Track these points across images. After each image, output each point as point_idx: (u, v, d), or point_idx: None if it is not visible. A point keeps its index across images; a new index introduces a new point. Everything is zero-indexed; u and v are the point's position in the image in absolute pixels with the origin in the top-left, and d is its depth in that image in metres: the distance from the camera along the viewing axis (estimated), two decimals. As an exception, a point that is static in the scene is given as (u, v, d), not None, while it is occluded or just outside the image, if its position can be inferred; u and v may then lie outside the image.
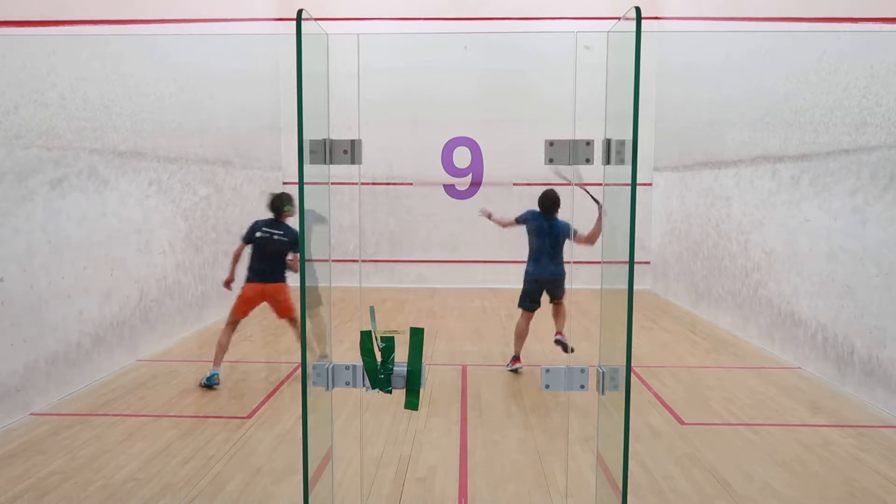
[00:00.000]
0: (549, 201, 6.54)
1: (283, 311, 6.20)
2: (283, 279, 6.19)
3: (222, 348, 6.04)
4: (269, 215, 6.26)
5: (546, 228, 6.52)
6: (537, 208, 6.61)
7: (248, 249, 6.19)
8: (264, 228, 6.14)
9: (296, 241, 6.07)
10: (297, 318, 6.18)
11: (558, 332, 6.65)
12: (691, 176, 10.06)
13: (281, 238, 6.11)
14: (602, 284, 2.87)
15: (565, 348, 6.53)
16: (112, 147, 6.46)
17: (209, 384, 5.87)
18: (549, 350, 7.47)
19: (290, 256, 6.18)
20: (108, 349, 6.35)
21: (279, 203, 6.26)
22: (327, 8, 11.23)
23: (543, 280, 6.56)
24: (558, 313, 6.73)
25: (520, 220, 6.74)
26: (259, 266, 6.11)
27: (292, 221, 6.21)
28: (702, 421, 5.25)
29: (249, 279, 6.13)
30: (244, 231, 6.24)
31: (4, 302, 4.95)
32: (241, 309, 6.12)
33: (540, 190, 6.77)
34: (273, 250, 6.08)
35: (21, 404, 5.14)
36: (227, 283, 6.35)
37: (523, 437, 4.90)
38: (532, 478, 4.21)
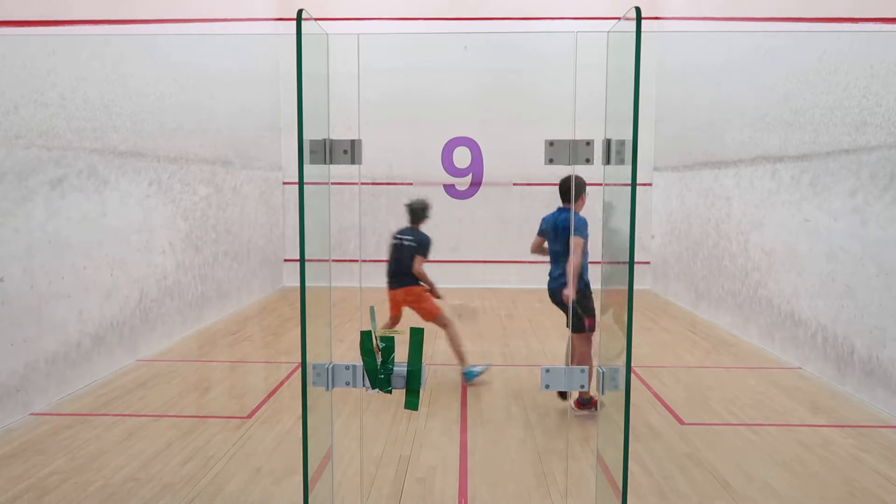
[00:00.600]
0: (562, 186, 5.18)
1: (423, 314, 6.15)
2: (410, 283, 6.13)
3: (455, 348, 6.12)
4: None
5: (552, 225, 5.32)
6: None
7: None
8: (396, 235, 6.23)
9: (421, 245, 6.11)
10: (446, 322, 6.12)
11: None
12: (691, 176, 10.06)
13: (410, 243, 6.12)
14: (602, 284, 2.87)
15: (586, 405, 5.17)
16: (112, 147, 6.46)
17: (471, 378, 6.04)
18: (549, 350, 7.47)
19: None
20: (108, 349, 6.35)
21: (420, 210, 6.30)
22: (327, 8, 11.23)
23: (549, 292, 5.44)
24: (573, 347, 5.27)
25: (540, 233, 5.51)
26: (388, 271, 6.24)
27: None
28: (702, 421, 5.25)
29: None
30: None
31: (4, 302, 4.95)
32: (391, 314, 6.30)
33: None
34: (398, 256, 6.13)
35: (21, 404, 5.14)
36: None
37: (523, 437, 4.89)
38: (532, 478, 4.21)
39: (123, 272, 6.63)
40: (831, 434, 4.98)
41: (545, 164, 2.59)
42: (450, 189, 2.82)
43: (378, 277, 11.97)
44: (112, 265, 6.42)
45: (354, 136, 2.65)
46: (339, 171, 2.69)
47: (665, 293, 11.23)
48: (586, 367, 2.62)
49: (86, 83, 6.07)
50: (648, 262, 11.80)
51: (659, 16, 11.30)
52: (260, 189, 10.91)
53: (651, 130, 11.43)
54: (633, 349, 2.40)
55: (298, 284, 2.50)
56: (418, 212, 6.25)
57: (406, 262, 6.06)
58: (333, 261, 2.99)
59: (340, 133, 2.64)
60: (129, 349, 6.72)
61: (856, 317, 5.88)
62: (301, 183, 2.45)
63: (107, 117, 6.40)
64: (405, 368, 2.64)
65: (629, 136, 2.32)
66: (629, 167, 2.32)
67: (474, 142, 2.72)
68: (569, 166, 2.58)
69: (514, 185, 11.39)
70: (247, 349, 7.47)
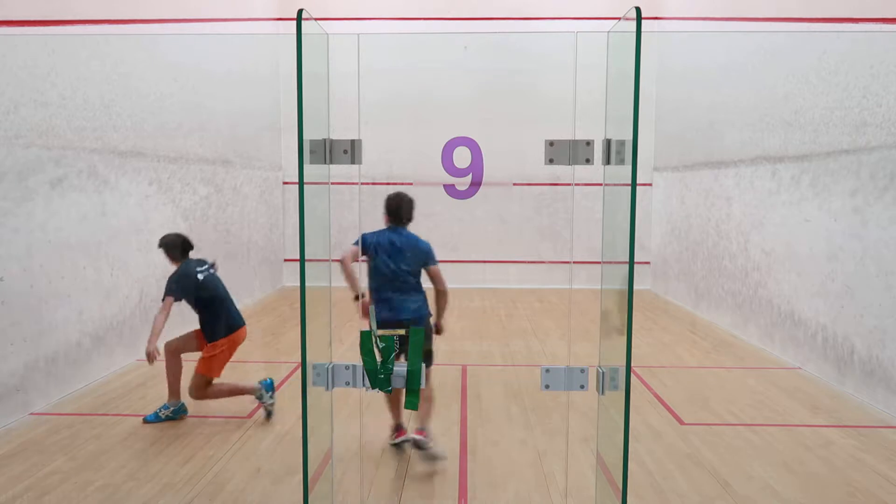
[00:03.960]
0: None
1: None
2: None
3: None
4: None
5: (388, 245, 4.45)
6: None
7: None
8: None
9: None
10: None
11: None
12: (691, 176, 10.06)
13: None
14: (602, 284, 2.87)
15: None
16: (112, 147, 6.46)
17: None
18: (549, 350, 7.47)
19: None
20: (108, 349, 6.35)
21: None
22: (327, 8, 11.23)
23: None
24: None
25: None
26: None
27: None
28: (702, 421, 5.25)
29: None
30: None
31: (4, 302, 4.95)
32: None
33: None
34: None
35: (21, 404, 5.14)
36: None
37: (523, 437, 4.89)
38: (532, 478, 4.21)
39: (123, 272, 6.63)
40: (831, 434, 4.98)
41: (545, 164, 2.59)
42: (450, 189, 2.82)
43: (378, 277, 11.98)
44: (112, 265, 6.42)
45: (354, 136, 2.65)
46: (339, 171, 2.69)
47: (665, 293, 11.23)
48: (586, 367, 2.63)
49: (86, 83, 6.07)
50: (648, 262, 11.80)
51: (659, 16, 11.30)
52: (260, 189, 10.91)
53: (651, 130, 11.43)
54: (633, 349, 2.40)
55: (298, 284, 2.50)
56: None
57: None
58: (333, 261, 2.99)
59: (340, 133, 2.64)
60: (129, 349, 6.71)
61: (856, 317, 5.87)
62: (301, 183, 2.46)
63: (107, 117, 6.40)
64: (405, 368, 2.64)
65: (629, 136, 2.32)
66: (629, 167, 2.33)
67: (474, 142, 2.72)
68: (569, 166, 2.58)
69: (514, 185, 11.39)
70: (247, 349, 7.47)
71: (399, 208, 4.46)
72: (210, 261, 5.39)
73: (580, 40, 2.87)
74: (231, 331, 5.18)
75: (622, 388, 2.44)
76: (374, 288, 4.40)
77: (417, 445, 4.30)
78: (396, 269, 4.36)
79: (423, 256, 4.43)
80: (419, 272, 4.43)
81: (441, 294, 4.46)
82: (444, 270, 4.51)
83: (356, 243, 4.35)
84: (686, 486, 4.09)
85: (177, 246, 5.15)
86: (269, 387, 5.25)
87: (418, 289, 4.42)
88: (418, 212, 4.62)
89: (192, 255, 5.32)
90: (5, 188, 4.97)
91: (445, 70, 11.47)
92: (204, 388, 5.00)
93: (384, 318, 4.31)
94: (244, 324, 5.38)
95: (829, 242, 6.29)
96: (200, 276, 5.08)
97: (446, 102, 11.19)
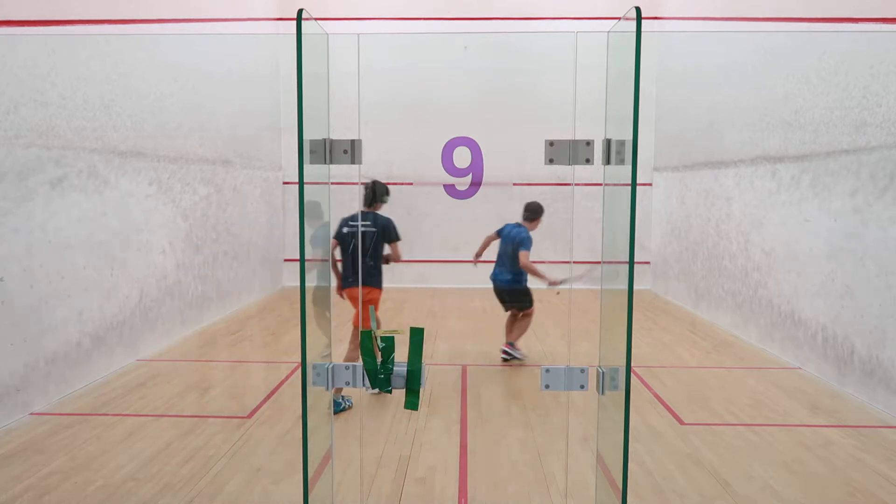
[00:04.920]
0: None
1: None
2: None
3: None
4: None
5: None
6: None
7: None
8: (350, 222, 5.54)
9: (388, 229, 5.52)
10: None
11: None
12: (691, 176, 10.06)
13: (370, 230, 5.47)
14: (602, 284, 2.87)
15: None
16: (112, 147, 6.46)
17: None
18: (549, 350, 7.47)
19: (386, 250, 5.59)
20: (108, 349, 6.35)
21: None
22: (327, 8, 11.23)
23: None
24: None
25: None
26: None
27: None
28: (702, 421, 5.25)
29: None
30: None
31: (4, 302, 4.95)
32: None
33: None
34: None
35: (21, 404, 5.14)
36: None
37: (523, 437, 4.89)
38: (532, 478, 4.21)
39: (123, 272, 6.63)
40: (831, 434, 4.98)
41: (545, 164, 2.59)
42: (450, 189, 2.82)
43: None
44: (112, 265, 6.42)
45: (354, 136, 2.65)
46: (339, 171, 2.69)
47: (665, 293, 11.23)
48: (586, 367, 2.63)
49: (86, 83, 6.07)
50: (648, 262, 11.80)
51: (659, 16, 11.30)
52: (260, 189, 10.91)
53: (651, 130, 11.43)
54: (633, 349, 2.40)
55: (298, 284, 2.50)
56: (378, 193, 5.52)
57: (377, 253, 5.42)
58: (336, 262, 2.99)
59: (340, 133, 2.64)
60: (128, 349, 6.71)
61: (856, 317, 5.87)
62: (301, 183, 2.45)
63: (107, 117, 6.40)
64: (405, 368, 2.64)
65: (629, 136, 2.32)
66: (629, 167, 2.32)
67: (474, 142, 2.72)
68: (569, 166, 2.58)
69: (514, 185, 11.38)
70: (247, 349, 7.47)
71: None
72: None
73: (580, 40, 2.87)
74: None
75: (622, 388, 2.44)
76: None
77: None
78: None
79: None
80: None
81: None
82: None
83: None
84: (686, 486, 4.09)
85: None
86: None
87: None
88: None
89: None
90: (5, 188, 4.97)
91: (445, 70, 11.47)
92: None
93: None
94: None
95: (829, 242, 6.29)
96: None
97: (446, 102, 11.18)
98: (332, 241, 5.33)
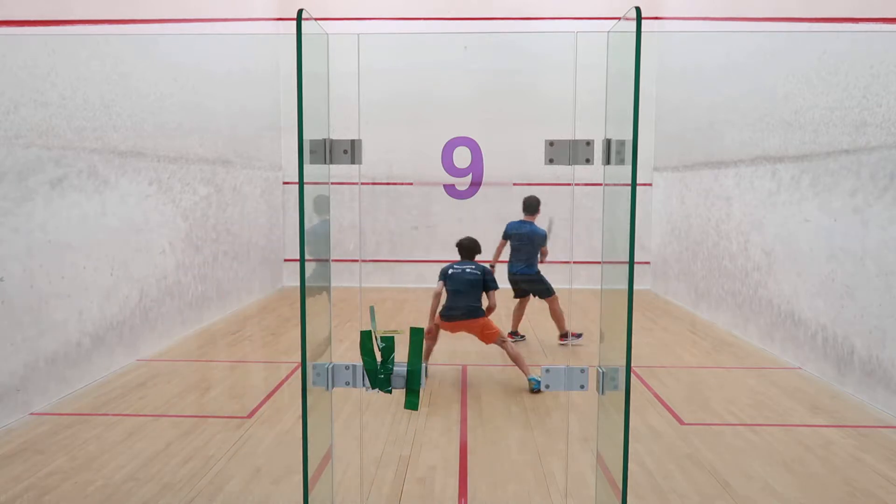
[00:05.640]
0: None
1: (487, 338, 6.20)
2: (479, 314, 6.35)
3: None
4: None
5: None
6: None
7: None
8: (455, 265, 6.49)
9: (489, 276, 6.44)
10: (505, 340, 6.12)
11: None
12: (691, 176, 10.06)
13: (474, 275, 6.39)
14: (602, 284, 2.87)
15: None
16: (112, 147, 6.46)
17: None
18: (549, 350, 7.47)
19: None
20: (108, 349, 6.35)
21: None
22: (327, 8, 11.23)
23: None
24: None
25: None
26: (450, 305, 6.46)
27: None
28: (702, 421, 5.25)
29: None
30: None
31: (4, 302, 4.95)
32: (434, 333, 6.45)
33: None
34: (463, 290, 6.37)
35: (21, 404, 5.14)
36: None
37: (523, 437, 4.89)
38: (532, 478, 4.21)
39: (123, 272, 6.63)
40: (831, 434, 4.98)
41: (545, 164, 2.59)
42: (450, 189, 2.82)
43: (377, 277, 12.01)
44: (112, 265, 6.42)
45: (354, 136, 2.65)
46: (339, 170, 2.69)
47: (665, 293, 11.23)
48: (586, 367, 2.62)
49: (86, 83, 6.07)
50: (648, 263, 11.80)
51: (659, 16, 11.30)
52: (260, 189, 10.91)
53: (651, 130, 11.42)
54: (633, 349, 2.40)
55: (298, 284, 2.50)
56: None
57: (475, 294, 6.18)
58: (333, 261, 2.99)
59: (340, 133, 2.64)
60: (128, 349, 6.72)
61: (856, 317, 5.87)
62: (301, 183, 2.45)
63: (107, 117, 6.40)
64: (405, 368, 2.64)
65: (629, 136, 2.32)
66: (629, 167, 2.32)
67: (474, 142, 2.72)
68: (569, 166, 2.58)
69: (514, 185, 11.38)
70: (247, 349, 7.47)
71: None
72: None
73: (580, 40, 2.87)
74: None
75: (622, 388, 2.44)
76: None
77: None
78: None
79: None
80: None
81: None
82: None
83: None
84: (686, 486, 4.09)
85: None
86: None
87: None
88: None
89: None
90: (5, 188, 4.97)
91: (445, 70, 11.47)
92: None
93: None
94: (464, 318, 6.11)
95: (829, 242, 6.29)
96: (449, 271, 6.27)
97: (446, 102, 11.17)
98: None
